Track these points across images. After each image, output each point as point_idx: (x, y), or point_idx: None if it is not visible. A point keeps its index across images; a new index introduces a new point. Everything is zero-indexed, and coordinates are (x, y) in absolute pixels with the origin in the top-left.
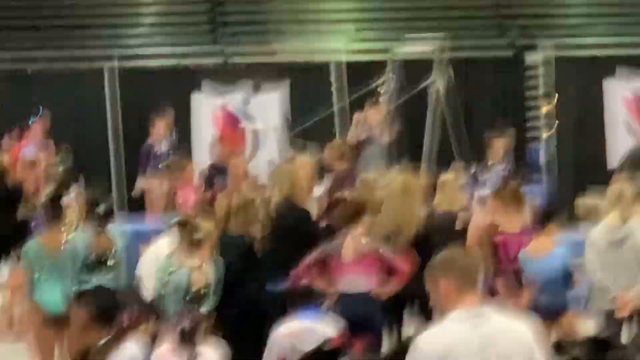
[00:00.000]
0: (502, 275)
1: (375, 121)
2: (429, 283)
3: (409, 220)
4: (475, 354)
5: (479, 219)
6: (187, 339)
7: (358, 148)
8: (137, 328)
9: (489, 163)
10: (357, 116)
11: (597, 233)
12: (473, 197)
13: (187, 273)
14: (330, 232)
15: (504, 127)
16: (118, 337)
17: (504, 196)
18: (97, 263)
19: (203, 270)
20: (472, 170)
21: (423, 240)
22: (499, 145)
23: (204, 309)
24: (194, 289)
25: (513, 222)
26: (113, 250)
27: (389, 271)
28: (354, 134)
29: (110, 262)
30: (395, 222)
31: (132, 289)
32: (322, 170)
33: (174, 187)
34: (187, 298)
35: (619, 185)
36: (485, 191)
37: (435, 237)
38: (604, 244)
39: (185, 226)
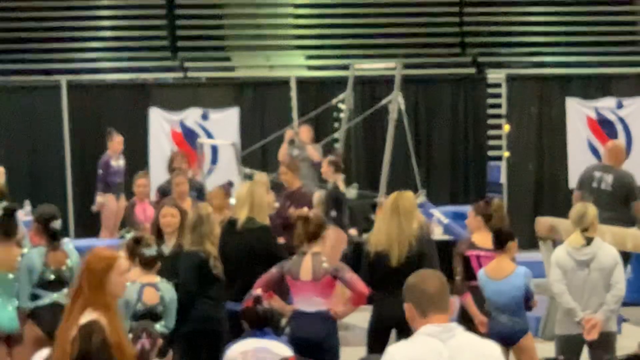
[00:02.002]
0: (472, 291)
1: (307, 139)
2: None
3: (401, 239)
4: None
5: None
6: (145, 357)
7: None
8: None
9: None
10: (288, 133)
11: (561, 254)
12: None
13: (139, 289)
14: (288, 250)
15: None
16: None
17: (485, 214)
18: (53, 279)
19: (157, 287)
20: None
21: (417, 258)
22: None
23: (159, 327)
24: (145, 305)
25: (489, 239)
26: (68, 266)
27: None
28: (284, 151)
29: (65, 278)
30: (388, 241)
31: None
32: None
33: (131, 203)
34: (138, 314)
35: (582, 206)
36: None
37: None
38: (570, 265)
39: (139, 242)
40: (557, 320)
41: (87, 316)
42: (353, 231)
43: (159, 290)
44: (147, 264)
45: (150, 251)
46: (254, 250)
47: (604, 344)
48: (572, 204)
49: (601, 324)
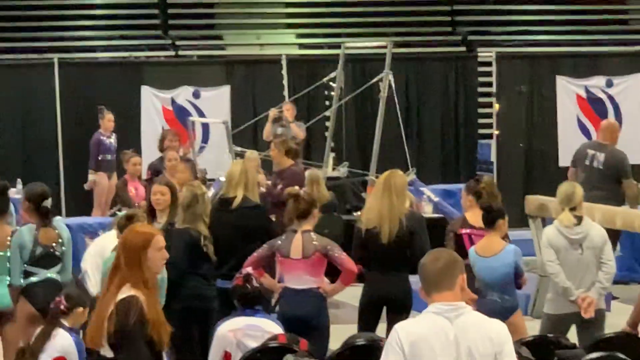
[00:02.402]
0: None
1: (290, 117)
2: None
3: (392, 217)
4: (450, 344)
5: None
6: None
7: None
8: (70, 315)
9: None
10: (272, 112)
11: (553, 233)
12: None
13: None
14: (279, 227)
15: None
16: (52, 325)
17: (476, 191)
18: (44, 256)
19: None
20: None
21: (408, 236)
22: None
23: None
24: None
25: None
26: (59, 243)
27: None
28: (268, 130)
29: (57, 255)
30: (379, 218)
31: (77, 282)
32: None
33: (123, 180)
34: None
35: (569, 185)
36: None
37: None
38: (563, 245)
39: (131, 220)
40: (548, 299)
41: (125, 292)
42: None
43: None
44: None
45: None
46: (250, 229)
47: (596, 322)
48: (560, 182)
49: (595, 302)
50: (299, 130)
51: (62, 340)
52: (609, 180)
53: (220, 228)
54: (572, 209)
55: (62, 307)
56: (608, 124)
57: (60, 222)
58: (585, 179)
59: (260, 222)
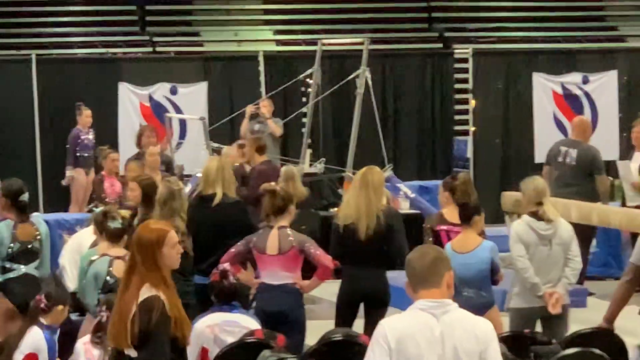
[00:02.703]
0: None
1: (268, 114)
2: None
3: (370, 213)
4: (436, 341)
5: None
6: (104, 329)
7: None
8: (49, 313)
9: None
10: (249, 108)
11: (523, 229)
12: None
13: (108, 262)
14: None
15: None
16: (30, 323)
17: (451, 188)
18: (22, 252)
19: (125, 261)
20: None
21: (385, 232)
22: None
23: None
24: (115, 278)
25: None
26: (37, 239)
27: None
28: (245, 127)
29: (34, 251)
30: (357, 214)
31: (55, 277)
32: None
33: (98, 177)
34: (107, 288)
35: (536, 181)
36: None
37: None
38: (533, 240)
39: (106, 216)
40: (515, 294)
41: (146, 292)
42: None
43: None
44: (113, 236)
45: (115, 224)
46: (231, 225)
47: (561, 317)
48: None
49: (562, 298)
50: (276, 127)
51: (33, 336)
52: (581, 176)
53: (201, 225)
54: (540, 204)
55: (42, 305)
56: (580, 121)
57: (38, 217)
58: (559, 176)
59: (240, 217)
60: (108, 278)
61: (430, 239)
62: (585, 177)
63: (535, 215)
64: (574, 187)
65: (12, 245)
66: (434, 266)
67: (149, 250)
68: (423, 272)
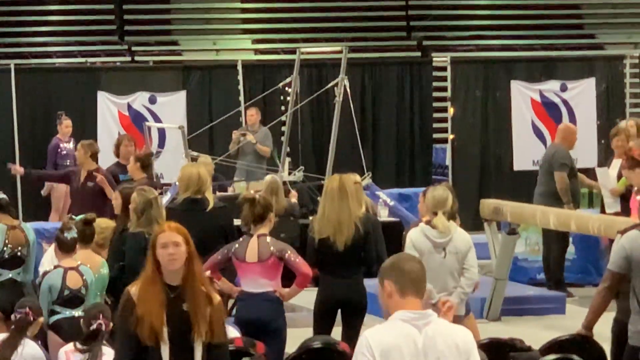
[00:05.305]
0: None
1: (256, 122)
2: (379, 283)
3: (349, 222)
4: (419, 353)
5: None
6: (92, 338)
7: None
8: (33, 325)
9: None
10: (235, 135)
11: (418, 236)
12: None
13: (62, 274)
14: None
15: None
16: (19, 336)
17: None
18: (11, 257)
19: (79, 271)
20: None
21: (364, 239)
22: None
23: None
24: (70, 290)
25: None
26: (27, 245)
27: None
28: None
29: (21, 257)
30: (334, 225)
31: (34, 286)
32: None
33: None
34: (62, 299)
35: (442, 189)
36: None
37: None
38: (427, 247)
39: (88, 224)
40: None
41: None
42: None
43: (82, 274)
44: (66, 247)
45: (72, 234)
46: (221, 230)
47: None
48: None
49: (456, 307)
50: (263, 148)
51: (31, 350)
52: (545, 175)
53: (192, 229)
54: (444, 213)
55: (30, 318)
56: (563, 126)
57: (27, 225)
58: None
59: (229, 221)
60: (66, 291)
61: None
62: (549, 175)
63: (430, 223)
64: (539, 187)
65: (4, 249)
66: (423, 274)
67: (152, 249)
68: (417, 277)
